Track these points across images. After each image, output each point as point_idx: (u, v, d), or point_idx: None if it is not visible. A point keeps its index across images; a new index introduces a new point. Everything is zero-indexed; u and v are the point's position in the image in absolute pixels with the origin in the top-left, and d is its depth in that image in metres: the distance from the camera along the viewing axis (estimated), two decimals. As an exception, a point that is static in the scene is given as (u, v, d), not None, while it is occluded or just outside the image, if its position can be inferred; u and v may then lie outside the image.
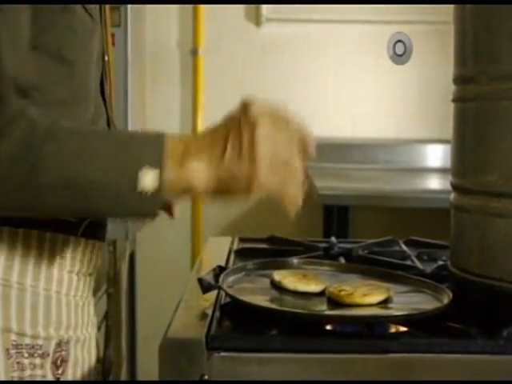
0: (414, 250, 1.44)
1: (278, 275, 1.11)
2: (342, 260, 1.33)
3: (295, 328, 0.94)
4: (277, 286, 1.09)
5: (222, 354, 0.89)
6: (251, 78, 3.14)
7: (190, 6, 3.10)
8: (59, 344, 0.96)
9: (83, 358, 1.01)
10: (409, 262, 1.34)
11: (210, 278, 1.07)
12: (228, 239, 1.53)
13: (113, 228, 1.12)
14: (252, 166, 0.82)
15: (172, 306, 1.04)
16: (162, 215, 0.96)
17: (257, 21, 3.11)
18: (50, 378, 0.94)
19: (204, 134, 0.87)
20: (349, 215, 2.79)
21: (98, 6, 0.99)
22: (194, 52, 3.12)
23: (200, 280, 1.05)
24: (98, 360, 1.07)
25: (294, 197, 0.86)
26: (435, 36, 2.92)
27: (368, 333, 0.96)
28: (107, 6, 1.04)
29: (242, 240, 1.53)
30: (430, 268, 1.26)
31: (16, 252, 0.91)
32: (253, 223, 3.11)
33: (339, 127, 3.13)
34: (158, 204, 0.83)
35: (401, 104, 3.15)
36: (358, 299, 1.01)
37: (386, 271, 1.17)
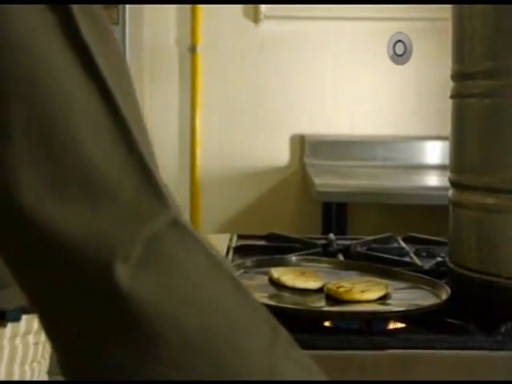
0: (413, 246, 1.44)
1: (277, 272, 1.11)
2: (341, 257, 1.33)
3: (294, 324, 0.93)
4: (275, 283, 1.09)
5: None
6: (250, 76, 3.14)
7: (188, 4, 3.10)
8: None
9: None
10: (407, 259, 1.34)
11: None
12: (226, 236, 1.53)
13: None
14: None
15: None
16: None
17: (255, 18, 3.11)
18: None
19: None
20: (347, 212, 2.79)
21: None
22: (193, 49, 3.12)
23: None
24: None
25: None
26: (433, 33, 2.92)
27: (366, 329, 0.96)
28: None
29: (240, 237, 1.53)
30: (428, 264, 1.26)
31: None
32: (251, 220, 3.11)
33: (338, 124, 3.13)
34: None
35: (399, 101, 3.15)
36: (357, 295, 1.01)
37: (384, 268, 1.17)
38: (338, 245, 1.42)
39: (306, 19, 3.08)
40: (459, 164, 1.10)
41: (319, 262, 1.23)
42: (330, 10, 3.03)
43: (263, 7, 3.09)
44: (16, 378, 0.90)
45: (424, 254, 1.38)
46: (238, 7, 3.11)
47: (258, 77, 3.14)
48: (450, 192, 1.13)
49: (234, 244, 1.46)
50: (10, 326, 0.88)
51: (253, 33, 3.13)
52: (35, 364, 0.95)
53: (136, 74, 2.74)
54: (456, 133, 1.10)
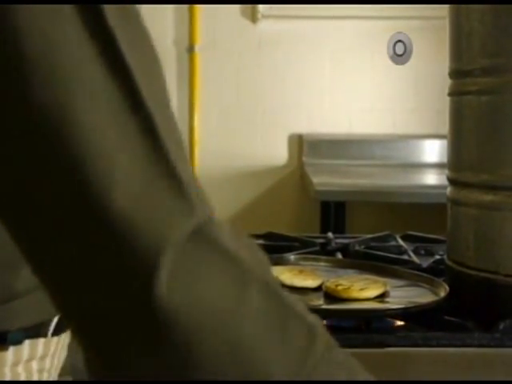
0: (411, 244, 1.44)
1: (275, 271, 1.11)
2: (339, 255, 1.33)
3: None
4: (274, 282, 1.09)
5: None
6: (248, 75, 3.14)
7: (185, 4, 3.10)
8: None
9: None
10: (406, 257, 1.34)
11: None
12: (225, 235, 1.53)
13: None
14: None
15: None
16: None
17: (253, 17, 3.11)
18: None
19: None
20: (346, 211, 2.79)
21: None
22: (191, 49, 3.12)
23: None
24: None
25: None
26: (431, 31, 2.92)
27: (365, 327, 0.96)
28: None
29: (238, 236, 1.53)
30: (426, 262, 1.26)
31: None
32: (250, 219, 3.11)
33: (336, 123, 3.13)
34: None
35: (397, 99, 3.15)
36: (355, 293, 1.01)
37: (382, 266, 1.17)
38: (336, 243, 1.43)
39: (304, 18, 3.08)
40: (457, 161, 1.10)
41: (317, 260, 1.23)
42: (327, 8, 3.03)
43: (261, 7, 3.09)
44: None
45: (422, 252, 1.38)
46: (236, 7, 3.11)
47: (256, 76, 3.14)
48: (448, 190, 1.13)
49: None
50: (11, 350, 0.80)
51: (251, 32, 3.13)
52: None
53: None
54: (454, 130, 1.10)
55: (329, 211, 2.76)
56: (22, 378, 0.83)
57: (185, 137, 3.13)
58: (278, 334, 0.47)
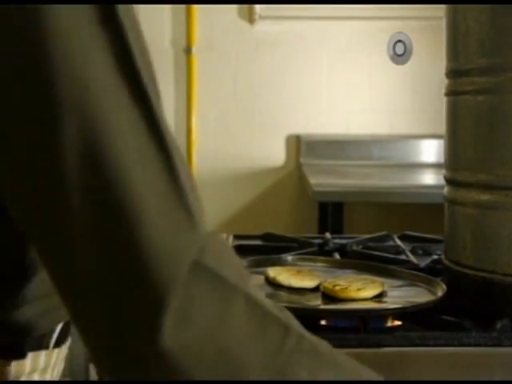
0: (409, 244, 1.44)
1: (273, 272, 1.11)
2: (337, 256, 1.33)
3: (290, 323, 0.94)
4: (271, 283, 1.09)
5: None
6: (245, 76, 3.14)
7: (183, 4, 3.10)
8: None
9: None
10: (403, 257, 1.34)
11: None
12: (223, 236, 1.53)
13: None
14: None
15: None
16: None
17: (250, 18, 3.11)
18: None
19: None
20: (343, 211, 2.79)
21: None
22: (188, 50, 3.12)
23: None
24: None
25: None
26: (428, 31, 2.92)
27: (363, 327, 0.96)
28: None
29: (236, 237, 1.53)
30: (424, 262, 1.26)
31: None
32: (248, 220, 3.11)
33: (333, 124, 3.13)
34: None
35: (394, 100, 3.15)
36: (353, 293, 1.01)
37: (380, 266, 1.17)
38: (334, 244, 1.43)
39: (301, 19, 3.08)
40: (454, 161, 1.10)
41: (315, 261, 1.23)
42: (324, 9, 3.03)
43: (258, 7, 3.09)
44: None
45: (420, 252, 1.38)
46: (233, 8, 3.11)
47: (254, 77, 3.14)
48: (445, 189, 1.13)
49: (230, 244, 1.46)
50: (13, 364, 0.80)
51: (248, 33, 3.13)
52: None
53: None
54: (451, 130, 1.10)
55: (326, 212, 2.76)
56: None
57: (182, 138, 3.13)
58: (260, 339, 0.55)
